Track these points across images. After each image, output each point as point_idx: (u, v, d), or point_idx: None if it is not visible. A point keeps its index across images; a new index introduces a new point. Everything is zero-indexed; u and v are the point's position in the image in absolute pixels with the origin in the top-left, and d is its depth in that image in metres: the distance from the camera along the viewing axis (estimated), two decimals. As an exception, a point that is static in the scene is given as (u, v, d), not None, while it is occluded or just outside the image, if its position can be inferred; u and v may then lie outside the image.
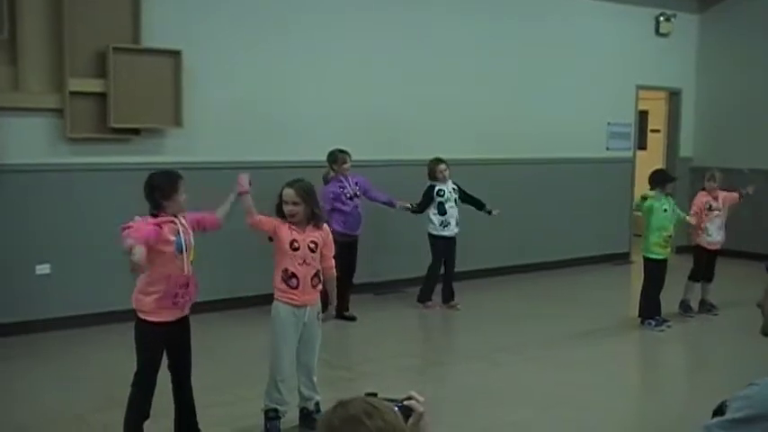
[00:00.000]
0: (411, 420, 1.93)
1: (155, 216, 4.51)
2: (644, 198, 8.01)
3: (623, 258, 11.75)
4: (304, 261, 4.99)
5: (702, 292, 8.68)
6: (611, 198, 11.59)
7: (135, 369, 4.62)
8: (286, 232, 4.96)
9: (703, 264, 8.58)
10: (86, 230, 7.46)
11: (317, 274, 5.06)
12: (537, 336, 7.66)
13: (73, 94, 7.30)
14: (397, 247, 9.27)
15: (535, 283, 10.16)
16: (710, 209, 8.47)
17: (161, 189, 4.55)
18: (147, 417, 4.61)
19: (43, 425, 5.28)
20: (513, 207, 10.48)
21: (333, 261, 5.22)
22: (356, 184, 8.07)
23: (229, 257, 8.19)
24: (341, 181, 7.98)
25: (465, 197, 8.66)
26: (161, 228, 4.46)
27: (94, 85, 7.41)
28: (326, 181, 7.99)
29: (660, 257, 7.96)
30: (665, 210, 7.90)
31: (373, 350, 7.20)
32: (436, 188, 8.45)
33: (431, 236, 8.52)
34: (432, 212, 8.46)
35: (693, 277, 8.61)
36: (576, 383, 6.25)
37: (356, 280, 8.41)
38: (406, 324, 8.23)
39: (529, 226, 10.68)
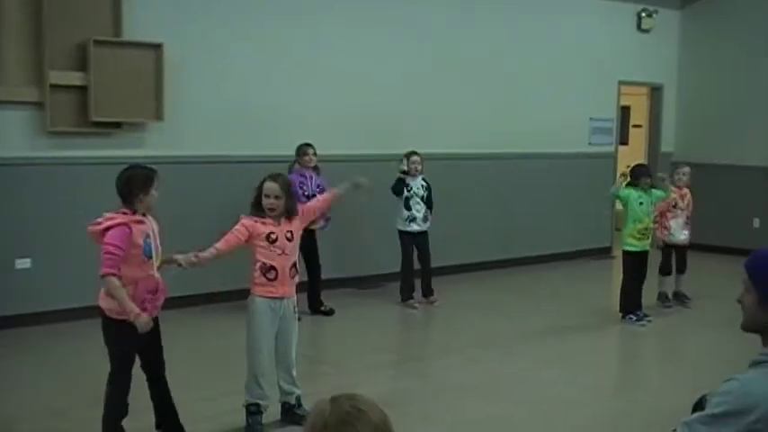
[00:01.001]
0: None
1: (124, 213, 4.39)
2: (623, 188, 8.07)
3: (605, 253, 11.80)
4: (283, 251, 4.99)
5: (676, 284, 8.81)
6: (593, 193, 11.62)
7: (109, 369, 4.54)
8: (260, 228, 4.96)
9: (672, 258, 8.69)
10: (67, 225, 7.40)
11: (294, 265, 5.08)
12: (518, 330, 7.68)
13: (53, 87, 7.24)
14: (377, 241, 9.25)
15: (517, 278, 10.19)
16: (675, 206, 8.52)
17: (134, 183, 4.42)
18: (125, 414, 4.57)
19: (23, 421, 5.24)
20: (495, 201, 10.53)
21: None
22: (318, 186, 7.89)
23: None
24: (304, 176, 7.86)
25: (427, 199, 8.44)
26: (130, 229, 4.33)
27: (75, 79, 7.36)
28: (290, 171, 7.84)
29: (635, 250, 7.99)
30: (641, 203, 7.94)
31: (352, 345, 7.19)
32: (405, 181, 8.34)
33: (398, 231, 8.46)
34: (400, 206, 8.38)
35: (663, 271, 8.73)
36: (557, 378, 6.28)
37: (337, 275, 8.40)
38: (385, 319, 8.21)
39: (511, 220, 10.70)
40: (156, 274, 4.51)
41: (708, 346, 7.39)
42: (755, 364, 2.44)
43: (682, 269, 8.76)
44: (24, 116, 7.28)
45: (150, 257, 4.44)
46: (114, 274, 4.30)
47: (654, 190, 8.07)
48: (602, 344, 7.70)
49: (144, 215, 4.47)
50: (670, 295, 8.74)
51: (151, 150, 7.78)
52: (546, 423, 5.42)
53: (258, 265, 4.98)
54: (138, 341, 4.48)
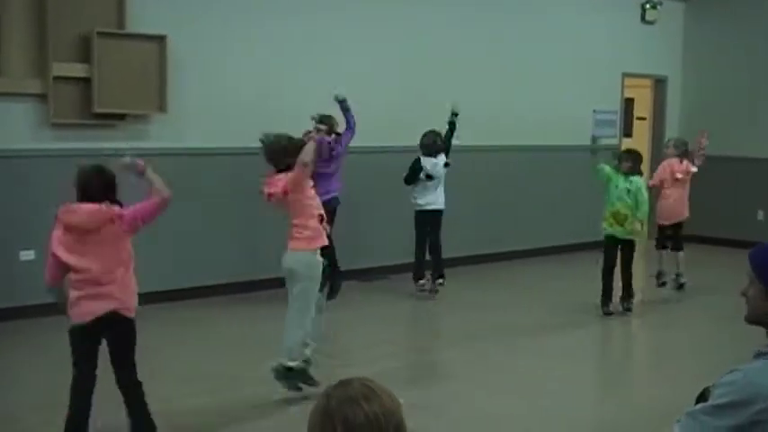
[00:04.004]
0: None
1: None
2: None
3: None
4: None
5: (677, 264, 8.84)
6: (597, 185, 11.57)
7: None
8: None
9: (666, 233, 8.72)
10: (71, 216, 7.41)
11: None
12: (520, 324, 7.67)
13: (56, 78, 7.23)
14: (382, 233, 9.25)
15: (519, 271, 10.17)
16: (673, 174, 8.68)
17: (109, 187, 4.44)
18: (87, 414, 4.40)
19: (27, 412, 5.28)
20: (498, 194, 10.51)
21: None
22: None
23: (210, 242, 8.17)
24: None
25: (447, 138, 8.54)
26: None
27: (78, 70, 7.36)
28: None
29: (606, 234, 7.95)
30: (617, 186, 7.84)
31: (356, 337, 7.21)
32: (422, 161, 8.35)
33: (415, 212, 8.46)
34: (421, 179, 8.35)
35: (658, 245, 8.82)
36: (559, 373, 6.29)
37: (341, 267, 8.36)
38: (390, 311, 8.19)
39: (515, 213, 10.69)
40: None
41: (710, 340, 7.39)
42: (759, 355, 2.44)
43: (678, 247, 8.80)
44: (27, 108, 7.28)
45: None
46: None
47: (633, 178, 7.89)
48: (604, 338, 7.72)
49: None
50: (666, 274, 8.79)
51: (155, 142, 7.79)
52: (547, 418, 5.41)
53: (310, 218, 5.29)
54: (84, 345, 4.41)
